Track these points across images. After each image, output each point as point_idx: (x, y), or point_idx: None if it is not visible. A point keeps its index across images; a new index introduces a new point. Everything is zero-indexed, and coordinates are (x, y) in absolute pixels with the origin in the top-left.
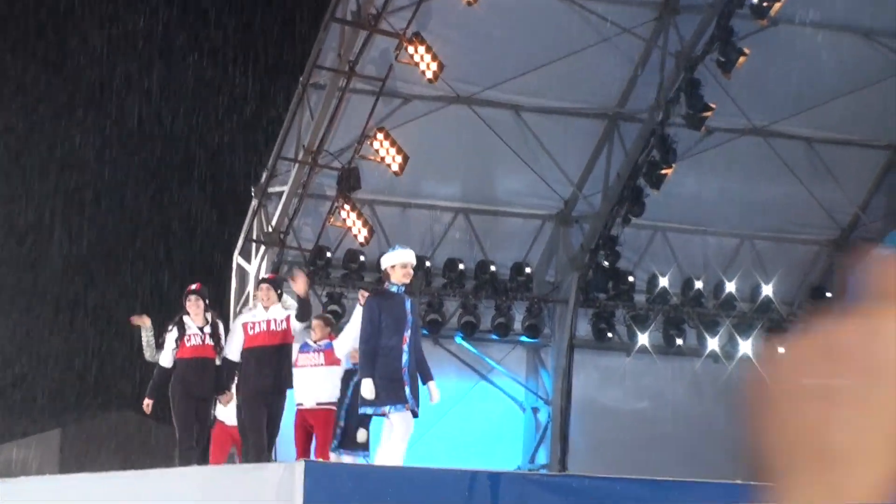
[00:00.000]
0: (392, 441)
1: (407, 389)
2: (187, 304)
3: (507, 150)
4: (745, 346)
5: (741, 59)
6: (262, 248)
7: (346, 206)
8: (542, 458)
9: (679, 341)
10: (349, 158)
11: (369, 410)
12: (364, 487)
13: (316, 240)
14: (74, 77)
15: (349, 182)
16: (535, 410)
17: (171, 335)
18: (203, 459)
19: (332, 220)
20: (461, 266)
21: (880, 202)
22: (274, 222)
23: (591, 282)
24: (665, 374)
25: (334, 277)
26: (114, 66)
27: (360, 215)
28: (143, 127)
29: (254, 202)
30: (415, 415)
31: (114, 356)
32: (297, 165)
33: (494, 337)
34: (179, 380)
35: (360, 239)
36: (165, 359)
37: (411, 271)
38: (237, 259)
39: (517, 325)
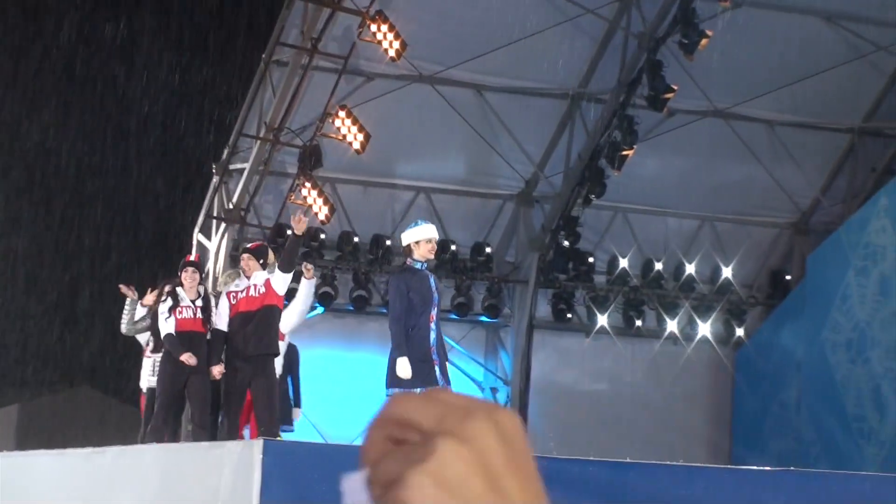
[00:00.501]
0: None
1: (437, 369)
2: (183, 275)
3: (469, 130)
4: (705, 329)
5: (703, 40)
6: (223, 225)
7: (308, 184)
8: None
9: (638, 323)
10: (311, 136)
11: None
12: (322, 465)
13: (277, 217)
14: (37, 56)
15: (311, 160)
16: (493, 390)
17: (165, 304)
18: (213, 433)
19: (293, 197)
20: None
21: (841, 185)
22: (235, 199)
23: (551, 262)
24: (624, 356)
25: None
26: (74, 42)
27: (321, 193)
28: (104, 103)
29: (214, 179)
30: None
31: (72, 331)
32: (258, 143)
33: (454, 316)
34: (169, 354)
35: (321, 217)
36: (168, 326)
37: (435, 246)
38: (197, 236)
39: (477, 305)
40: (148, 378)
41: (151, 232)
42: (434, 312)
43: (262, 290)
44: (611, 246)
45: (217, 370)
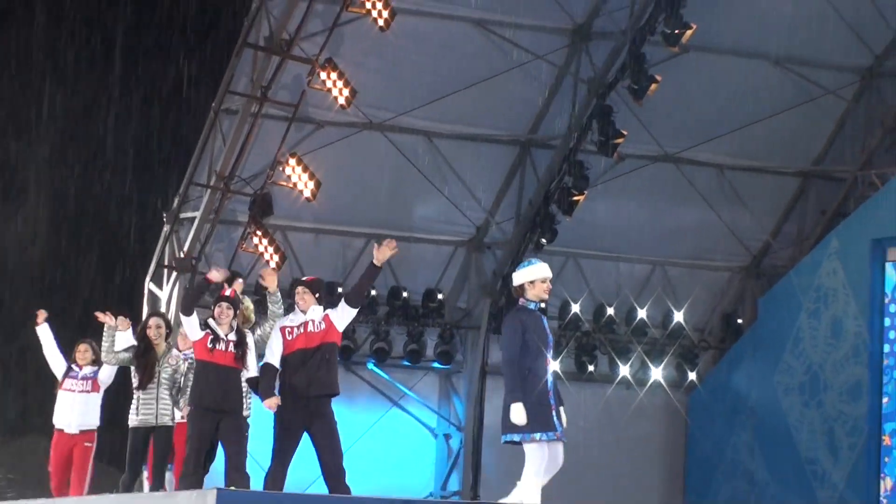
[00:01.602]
0: (526, 473)
1: (554, 415)
2: (216, 310)
3: (420, 177)
4: (657, 373)
5: (653, 85)
6: (174, 274)
7: (258, 233)
8: (454, 484)
9: (591, 368)
10: (261, 184)
11: (516, 438)
12: None
13: (228, 266)
14: None
15: (261, 208)
16: (447, 437)
17: (199, 337)
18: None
19: (244, 246)
20: (373, 292)
21: (791, 229)
22: (186, 248)
23: (503, 308)
24: (576, 401)
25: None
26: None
27: (272, 241)
28: (53, 152)
29: (165, 228)
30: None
31: (30, 381)
32: (209, 191)
33: (406, 363)
34: (196, 385)
35: (272, 265)
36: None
37: (550, 286)
38: (149, 285)
39: (429, 352)
40: (132, 417)
41: (102, 282)
42: (550, 355)
43: (322, 325)
44: (562, 291)
45: (273, 402)
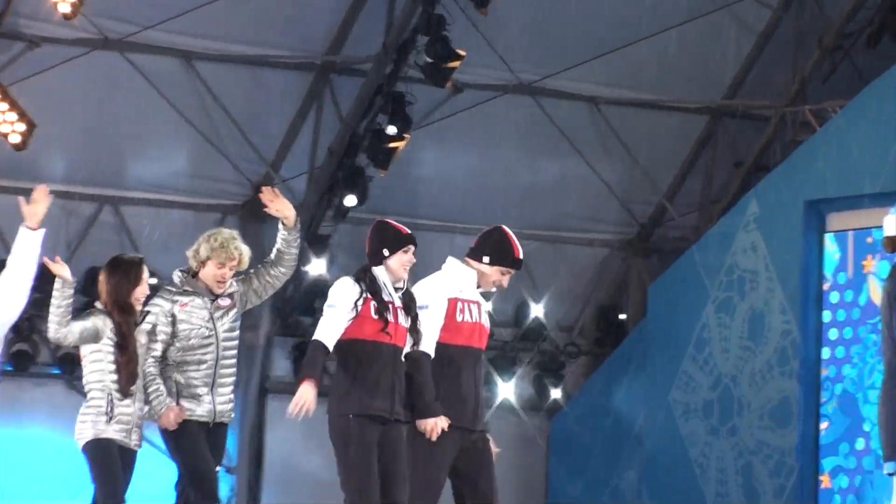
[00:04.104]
0: None
1: None
2: (404, 257)
3: (175, 115)
4: (506, 389)
5: None
6: None
7: None
8: None
9: None
10: None
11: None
12: None
13: None
14: None
15: None
16: None
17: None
18: None
19: None
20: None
21: (693, 186)
22: None
23: (290, 300)
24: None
25: None
26: None
27: None
28: None
29: None
30: None
31: None
32: None
33: None
34: (356, 380)
35: None
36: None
37: None
38: None
39: None
40: (99, 425)
41: None
42: None
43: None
44: None
45: (437, 426)
